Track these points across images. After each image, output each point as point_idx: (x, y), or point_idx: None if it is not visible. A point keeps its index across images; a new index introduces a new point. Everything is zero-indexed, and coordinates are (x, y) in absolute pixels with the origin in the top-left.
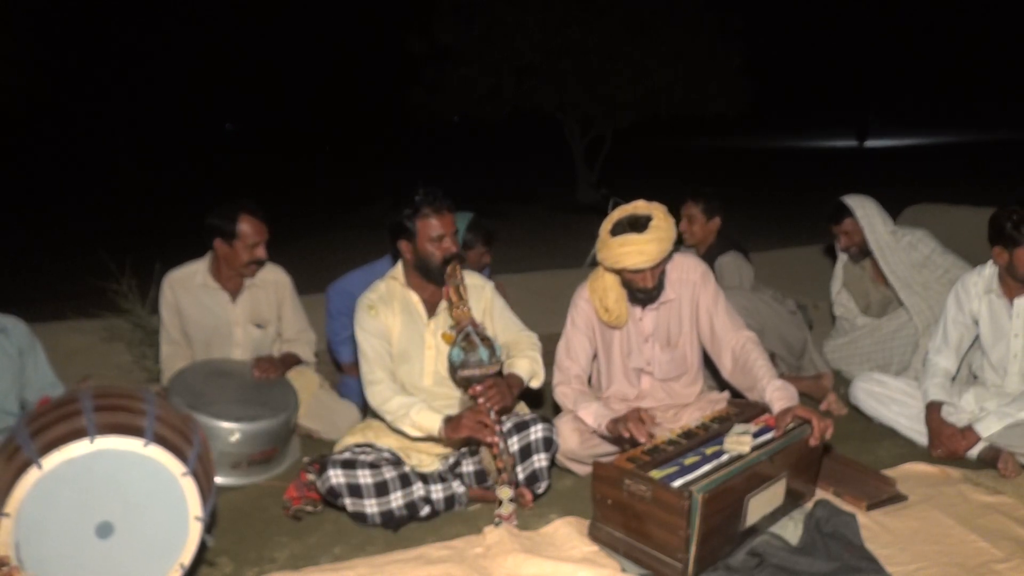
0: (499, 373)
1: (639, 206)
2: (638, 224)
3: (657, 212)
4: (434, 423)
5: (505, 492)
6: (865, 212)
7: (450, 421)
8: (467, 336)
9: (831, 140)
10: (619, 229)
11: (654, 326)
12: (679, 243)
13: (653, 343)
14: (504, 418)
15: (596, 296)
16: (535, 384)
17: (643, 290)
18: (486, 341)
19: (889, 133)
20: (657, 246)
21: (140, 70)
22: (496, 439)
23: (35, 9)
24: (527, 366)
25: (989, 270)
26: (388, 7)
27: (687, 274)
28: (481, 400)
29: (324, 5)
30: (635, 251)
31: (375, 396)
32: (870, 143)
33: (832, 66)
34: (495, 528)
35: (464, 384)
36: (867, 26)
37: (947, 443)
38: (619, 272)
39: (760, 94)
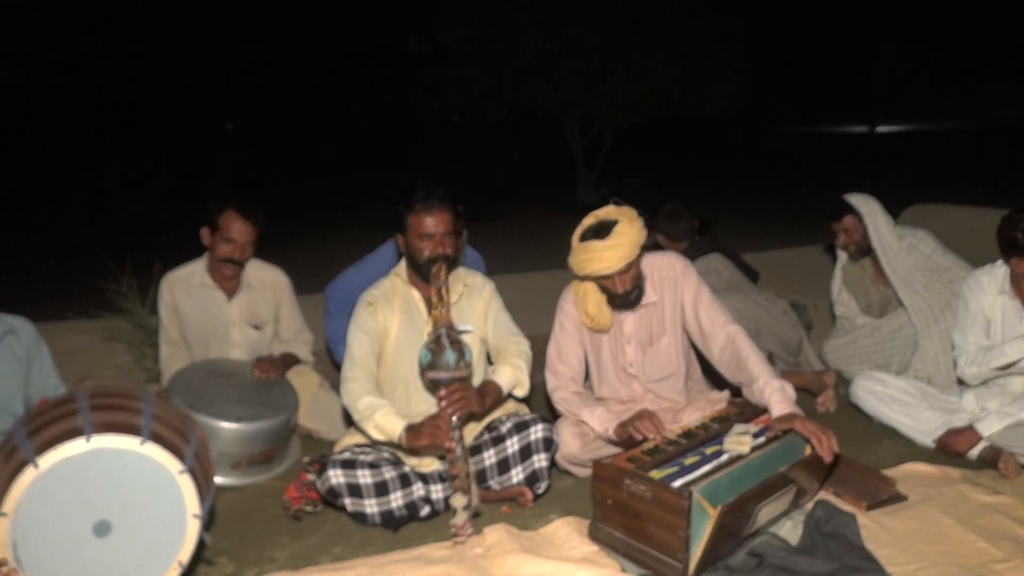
0: (468, 379)
1: (610, 211)
2: (602, 230)
3: (623, 218)
4: (396, 428)
5: (459, 500)
6: (870, 211)
7: (412, 428)
8: (438, 338)
9: (843, 126)
10: (586, 235)
11: (635, 328)
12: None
13: (635, 345)
14: (505, 418)
15: (579, 301)
16: (519, 393)
17: (618, 295)
18: (456, 344)
19: (897, 120)
20: (616, 252)
21: (141, 70)
22: (452, 444)
23: (36, 8)
24: (509, 374)
25: (1001, 270)
26: (388, 7)
27: (668, 272)
28: (444, 403)
29: (325, 5)
30: (595, 258)
31: (348, 393)
32: (881, 129)
33: (835, 58)
34: (452, 539)
35: (431, 387)
36: (868, 17)
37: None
38: (586, 279)
39: (762, 90)
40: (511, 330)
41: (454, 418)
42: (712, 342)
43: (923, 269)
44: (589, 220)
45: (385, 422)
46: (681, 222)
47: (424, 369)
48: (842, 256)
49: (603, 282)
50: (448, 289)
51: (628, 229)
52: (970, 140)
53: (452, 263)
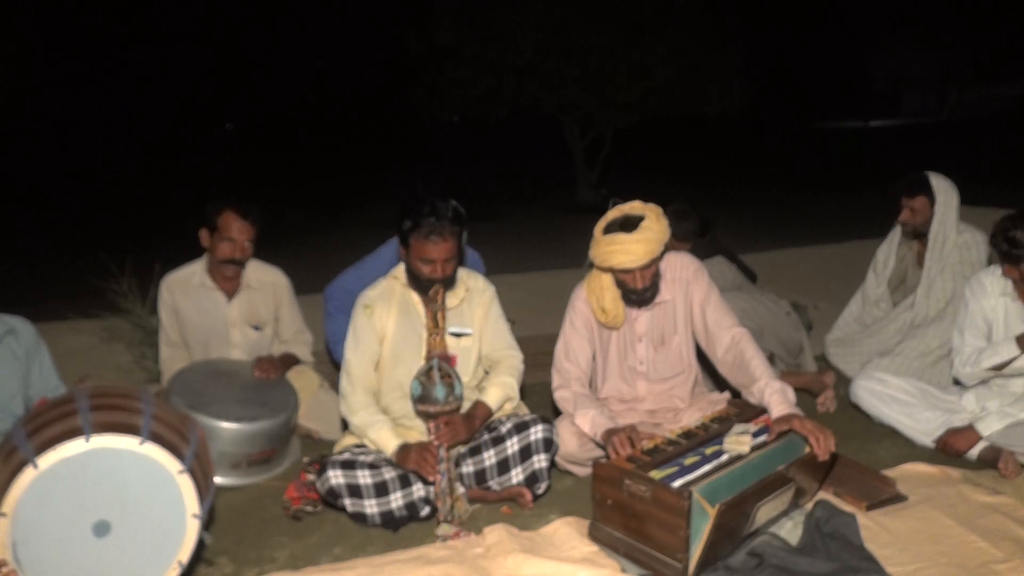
0: (458, 410)
1: (635, 207)
2: (629, 224)
3: (650, 213)
4: (389, 446)
5: (443, 529)
6: (946, 200)
7: (403, 449)
8: (429, 371)
9: (839, 122)
10: (611, 228)
11: (648, 326)
12: None
13: (647, 343)
14: (505, 418)
15: (593, 296)
16: (509, 408)
17: (634, 291)
18: (447, 379)
19: (895, 117)
20: (644, 247)
21: (141, 70)
22: (437, 477)
23: (36, 9)
24: (498, 395)
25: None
26: (388, 7)
27: (680, 272)
28: (432, 436)
29: (324, 5)
30: (621, 250)
31: (345, 407)
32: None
33: (834, 57)
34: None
35: (422, 416)
36: (868, 16)
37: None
38: (609, 271)
39: (762, 89)
40: (507, 342)
41: (441, 451)
42: (717, 343)
43: (961, 282)
44: (614, 213)
45: (378, 439)
46: (687, 222)
47: (415, 401)
48: (894, 233)
49: (623, 276)
50: (444, 315)
51: (655, 224)
52: (968, 138)
53: (450, 283)
